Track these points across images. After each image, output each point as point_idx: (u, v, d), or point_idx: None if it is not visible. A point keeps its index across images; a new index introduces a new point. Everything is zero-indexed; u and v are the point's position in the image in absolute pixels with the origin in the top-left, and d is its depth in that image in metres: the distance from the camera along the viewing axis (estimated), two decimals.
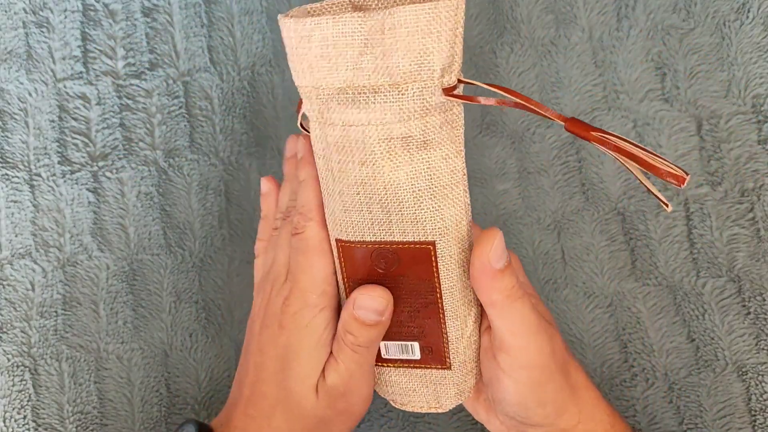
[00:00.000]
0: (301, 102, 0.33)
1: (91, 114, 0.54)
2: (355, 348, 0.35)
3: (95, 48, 0.55)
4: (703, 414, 0.48)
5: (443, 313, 0.35)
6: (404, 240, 0.32)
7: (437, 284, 0.34)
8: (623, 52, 0.53)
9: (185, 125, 0.54)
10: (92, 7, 0.55)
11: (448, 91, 0.30)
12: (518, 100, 0.30)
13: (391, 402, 0.40)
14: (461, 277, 0.34)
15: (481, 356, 0.38)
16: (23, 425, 0.50)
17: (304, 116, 0.34)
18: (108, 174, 0.53)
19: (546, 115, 0.30)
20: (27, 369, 0.51)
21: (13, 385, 0.50)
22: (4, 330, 0.51)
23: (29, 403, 0.50)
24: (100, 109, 0.54)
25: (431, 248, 0.32)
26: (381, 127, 0.30)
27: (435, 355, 0.36)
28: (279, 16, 0.31)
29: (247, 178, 0.53)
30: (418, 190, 0.31)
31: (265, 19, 0.55)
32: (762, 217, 0.50)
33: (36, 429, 0.50)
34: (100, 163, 0.53)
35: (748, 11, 0.53)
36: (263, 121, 0.54)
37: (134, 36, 0.55)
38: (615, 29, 0.53)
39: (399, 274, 0.33)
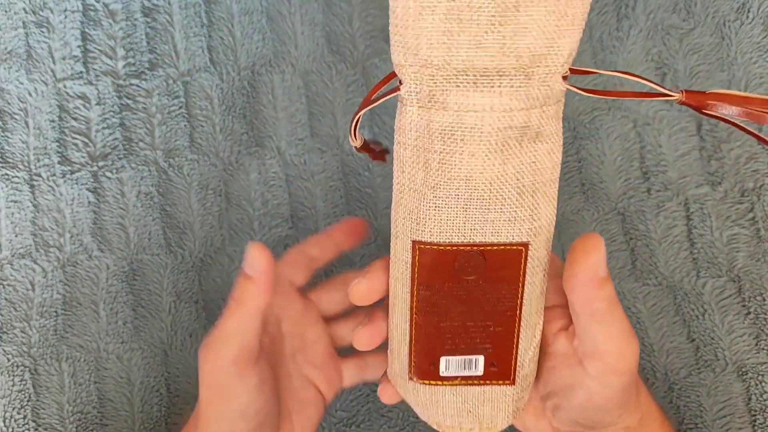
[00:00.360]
0: (380, 85, 0.29)
1: (91, 114, 0.54)
2: (230, 304, 0.36)
3: (95, 48, 0.55)
4: (703, 414, 0.48)
5: (519, 323, 0.31)
6: (496, 241, 0.29)
7: (520, 290, 0.30)
8: (623, 52, 0.53)
9: (185, 125, 0.54)
10: (92, 7, 0.55)
11: (564, 79, 0.28)
12: (634, 78, 0.29)
13: (434, 426, 0.35)
14: (542, 282, 0.31)
15: (553, 364, 0.34)
16: (23, 425, 0.50)
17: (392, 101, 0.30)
18: (108, 174, 0.53)
19: (661, 91, 0.29)
20: (27, 369, 0.51)
21: (13, 385, 0.50)
22: (4, 330, 0.51)
23: (29, 403, 0.50)
24: (100, 109, 0.54)
25: (523, 250, 0.30)
26: (503, 115, 0.27)
27: (500, 370, 0.32)
28: None
29: (247, 178, 0.53)
30: (522, 186, 0.29)
31: (265, 19, 0.55)
32: (762, 217, 0.51)
33: (36, 429, 0.50)
34: (100, 163, 0.53)
35: (748, 11, 0.53)
36: (263, 121, 0.54)
37: (134, 36, 0.55)
38: (615, 29, 0.53)
39: (481, 280, 0.30)
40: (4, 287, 0.52)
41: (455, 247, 0.29)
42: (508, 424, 0.34)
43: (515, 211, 0.29)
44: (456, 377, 0.32)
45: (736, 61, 0.52)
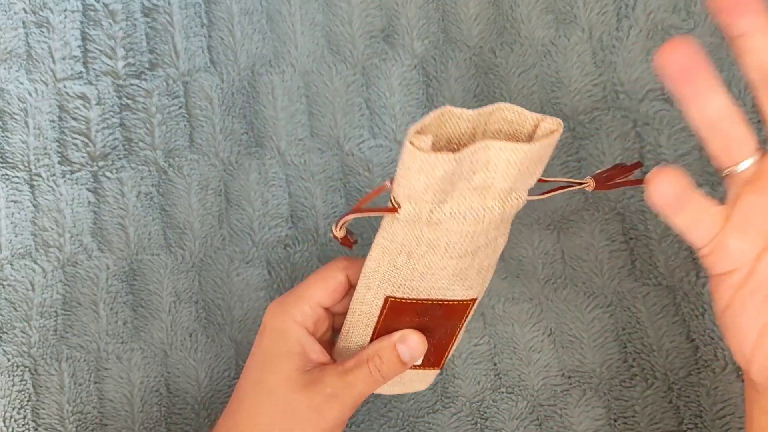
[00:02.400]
0: (374, 194, 0.34)
1: (91, 114, 0.54)
2: (374, 370, 0.37)
3: (95, 48, 0.55)
4: (703, 414, 0.48)
5: (456, 338, 0.39)
6: (453, 299, 0.36)
7: (463, 322, 0.38)
8: (623, 52, 0.53)
9: (185, 125, 0.54)
10: (92, 7, 0.55)
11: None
12: (553, 192, 0.35)
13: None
14: (476, 308, 0.40)
15: None
16: (23, 425, 0.50)
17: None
18: (108, 174, 0.53)
19: (573, 187, 0.35)
20: (27, 369, 0.51)
21: (13, 385, 0.50)
22: (4, 330, 0.51)
23: (29, 403, 0.50)
24: (100, 109, 0.54)
25: (471, 303, 0.37)
26: (482, 234, 0.33)
27: (433, 362, 0.40)
28: (406, 144, 0.30)
29: (247, 178, 0.53)
30: (482, 267, 0.36)
31: (265, 19, 0.55)
32: None
33: (36, 429, 0.50)
34: (100, 163, 0.53)
35: None
36: (263, 121, 0.54)
37: (134, 36, 0.55)
38: (615, 29, 0.53)
39: (434, 321, 0.37)
40: (4, 287, 0.52)
41: (421, 302, 0.36)
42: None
43: (473, 281, 0.36)
44: None
45: (736, 61, 0.52)
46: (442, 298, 0.36)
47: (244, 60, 0.54)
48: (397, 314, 0.37)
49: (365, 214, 0.34)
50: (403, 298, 0.36)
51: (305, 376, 0.37)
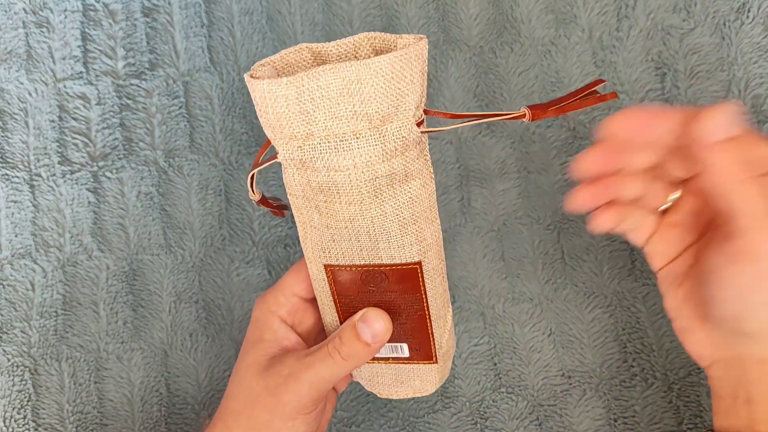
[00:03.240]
0: (264, 149, 0.34)
1: (91, 114, 0.54)
2: (332, 351, 0.36)
3: (95, 48, 0.55)
4: (703, 414, 0.48)
5: (429, 318, 0.37)
6: (392, 263, 0.35)
7: (424, 295, 0.36)
8: (623, 52, 0.53)
9: (185, 125, 0.54)
10: (92, 7, 0.55)
11: (419, 125, 0.32)
12: (475, 120, 0.32)
13: (377, 393, 0.42)
14: (441, 282, 0.37)
15: (699, 248, 0.35)
16: (23, 425, 0.50)
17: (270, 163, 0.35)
18: (108, 174, 0.53)
19: (505, 117, 0.32)
20: (27, 369, 0.51)
21: (13, 385, 0.50)
22: (4, 330, 0.51)
23: (29, 403, 0.50)
24: (100, 109, 0.54)
25: (418, 267, 0.35)
26: (366, 169, 0.32)
27: (422, 353, 0.39)
28: (246, 77, 0.31)
29: (246, 178, 0.53)
30: (403, 219, 0.34)
31: (265, 19, 0.55)
32: None
33: (36, 429, 0.50)
34: (100, 163, 0.53)
35: (748, 11, 0.53)
36: None
37: (134, 36, 0.55)
38: (615, 29, 0.53)
39: (388, 291, 0.36)
40: (4, 287, 0.52)
41: (358, 268, 0.35)
42: (436, 389, 0.42)
43: (402, 239, 0.34)
44: (387, 358, 0.40)
45: (736, 61, 0.52)
46: (378, 262, 0.35)
47: (245, 60, 0.54)
48: (344, 287, 0.36)
49: (261, 167, 0.34)
50: (339, 265, 0.35)
51: (269, 361, 0.37)
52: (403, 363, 0.39)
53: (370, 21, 0.54)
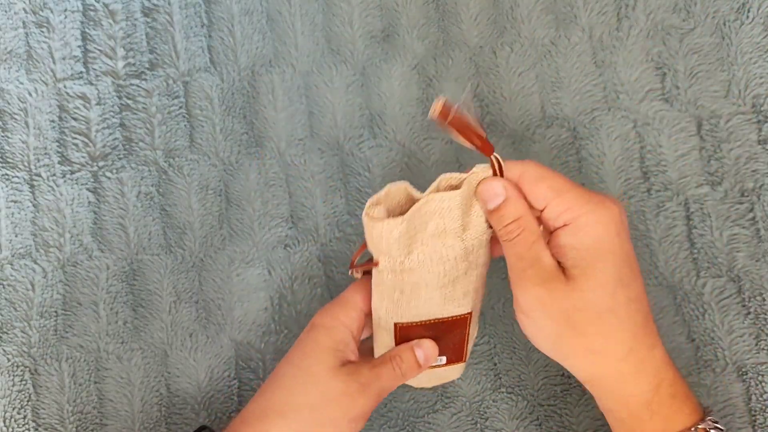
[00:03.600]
0: (360, 251, 0.41)
1: (91, 114, 0.54)
2: (395, 367, 0.42)
3: (95, 48, 0.55)
4: None
5: (467, 338, 0.44)
6: (450, 316, 0.42)
7: (468, 330, 0.43)
8: (623, 52, 0.53)
9: (185, 125, 0.54)
10: (92, 7, 0.55)
11: (489, 226, 0.40)
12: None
13: (410, 384, 0.46)
14: (477, 318, 0.44)
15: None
16: (23, 425, 0.50)
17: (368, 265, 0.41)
18: (108, 174, 0.53)
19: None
20: (27, 369, 0.51)
21: (13, 385, 0.50)
22: (4, 330, 0.51)
23: (29, 403, 0.50)
24: (100, 109, 0.54)
25: (468, 316, 0.42)
26: (452, 269, 0.39)
27: (455, 359, 0.45)
28: (364, 218, 0.38)
29: (246, 178, 0.53)
30: (467, 290, 0.41)
31: (266, 19, 0.55)
32: (762, 217, 0.51)
33: (36, 429, 0.50)
34: (100, 163, 0.53)
35: (748, 11, 0.53)
36: (263, 121, 0.54)
37: (134, 36, 0.55)
38: (615, 29, 0.53)
39: (441, 333, 0.43)
40: (4, 287, 0.52)
41: (422, 322, 0.42)
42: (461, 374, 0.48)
43: (462, 300, 0.41)
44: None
45: (736, 61, 0.52)
46: (440, 317, 0.42)
47: (245, 60, 0.54)
48: (407, 332, 0.43)
49: (360, 268, 0.41)
50: (408, 323, 0.42)
51: (344, 368, 0.41)
52: (439, 367, 0.45)
53: (370, 21, 0.54)
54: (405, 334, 0.43)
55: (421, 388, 0.50)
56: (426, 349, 0.43)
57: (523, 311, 0.39)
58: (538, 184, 0.37)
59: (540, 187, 0.37)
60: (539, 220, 0.38)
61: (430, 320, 0.42)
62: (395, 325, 0.42)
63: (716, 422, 0.39)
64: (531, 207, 0.38)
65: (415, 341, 0.43)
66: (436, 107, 0.34)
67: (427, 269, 0.39)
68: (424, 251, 0.38)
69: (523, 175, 0.38)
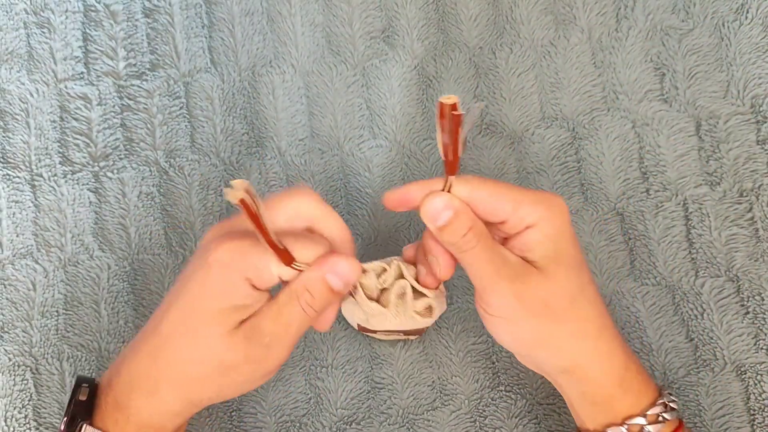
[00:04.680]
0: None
1: (93, 114, 0.54)
2: (306, 307, 0.36)
3: (96, 49, 0.55)
4: (702, 413, 0.49)
5: None
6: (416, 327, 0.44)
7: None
8: (622, 53, 0.53)
9: (186, 126, 0.54)
10: (93, 8, 0.55)
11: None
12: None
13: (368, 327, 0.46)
14: None
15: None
16: (24, 425, 0.50)
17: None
18: (109, 174, 0.53)
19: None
20: (28, 368, 0.51)
21: (14, 385, 0.50)
22: (6, 329, 0.51)
23: (30, 402, 0.50)
24: (101, 110, 0.54)
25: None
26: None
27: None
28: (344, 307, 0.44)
29: (247, 178, 0.53)
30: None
31: (266, 20, 0.55)
32: (761, 217, 0.51)
33: (37, 428, 0.50)
34: (102, 164, 0.53)
35: (747, 12, 0.53)
36: (264, 121, 0.54)
37: (135, 37, 0.55)
38: (614, 30, 0.54)
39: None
40: (5, 287, 0.52)
41: (386, 331, 0.47)
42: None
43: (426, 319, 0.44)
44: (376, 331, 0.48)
45: (735, 61, 0.52)
46: (403, 329, 0.44)
47: (245, 60, 0.55)
48: (366, 331, 0.47)
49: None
50: (371, 330, 0.45)
51: (242, 330, 0.36)
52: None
53: (370, 22, 0.55)
54: (364, 330, 0.45)
55: (389, 397, 0.50)
56: (342, 272, 0.36)
57: (500, 314, 0.38)
58: (495, 201, 0.37)
59: (499, 203, 0.37)
60: (491, 228, 0.38)
61: (393, 330, 0.44)
62: (358, 325, 0.44)
63: (671, 394, 0.41)
64: (487, 221, 0.38)
65: (328, 264, 0.36)
66: (450, 99, 0.33)
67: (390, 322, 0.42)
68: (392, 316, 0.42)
69: (475, 197, 0.37)
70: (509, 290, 0.37)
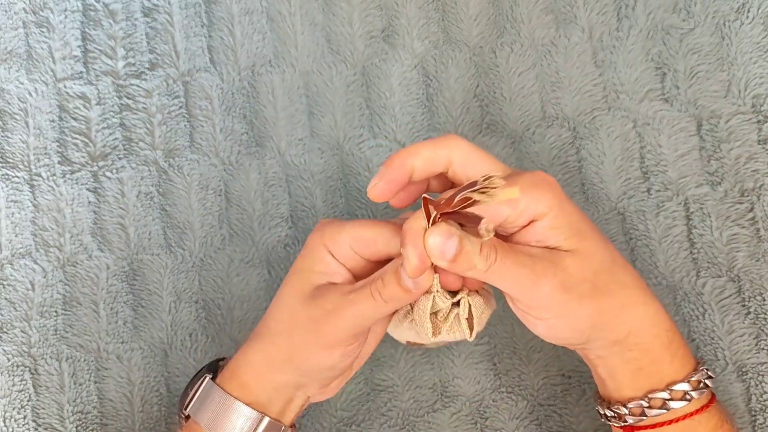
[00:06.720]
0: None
1: (91, 114, 0.54)
2: (374, 292, 0.37)
3: (95, 48, 0.55)
4: None
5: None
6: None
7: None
8: (623, 52, 0.53)
9: (185, 125, 0.54)
10: (92, 7, 0.55)
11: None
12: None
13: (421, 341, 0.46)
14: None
15: None
16: (23, 425, 0.50)
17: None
18: (108, 174, 0.53)
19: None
20: (27, 369, 0.51)
21: (13, 385, 0.50)
22: (4, 330, 0.51)
23: (29, 402, 0.50)
24: (100, 109, 0.54)
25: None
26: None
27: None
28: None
29: (247, 178, 0.53)
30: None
31: (266, 19, 0.55)
32: (762, 217, 0.51)
33: (36, 429, 0.50)
34: (100, 163, 0.53)
35: (748, 11, 0.53)
36: (263, 121, 0.54)
37: (134, 36, 0.55)
38: (615, 29, 0.53)
39: None
40: (4, 287, 0.52)
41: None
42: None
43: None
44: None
45: (736, 60, 0.52)
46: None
47: (245, 60, 0.55)
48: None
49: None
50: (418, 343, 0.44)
51: (314, 292, 0.39)
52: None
53: (370, 21, 0.54)
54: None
55: (389, 398, 0.49)
56: (413, 269, 0.37)
57: (550, 314, 0.37)
58: (522, 218, 0.36)
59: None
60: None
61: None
62: (407, 341, 0.44)
63: (705, 362, 0.41)
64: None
65: (401, 261, 0.37)
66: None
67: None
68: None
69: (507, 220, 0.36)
70: (552, 285, 0.35)
